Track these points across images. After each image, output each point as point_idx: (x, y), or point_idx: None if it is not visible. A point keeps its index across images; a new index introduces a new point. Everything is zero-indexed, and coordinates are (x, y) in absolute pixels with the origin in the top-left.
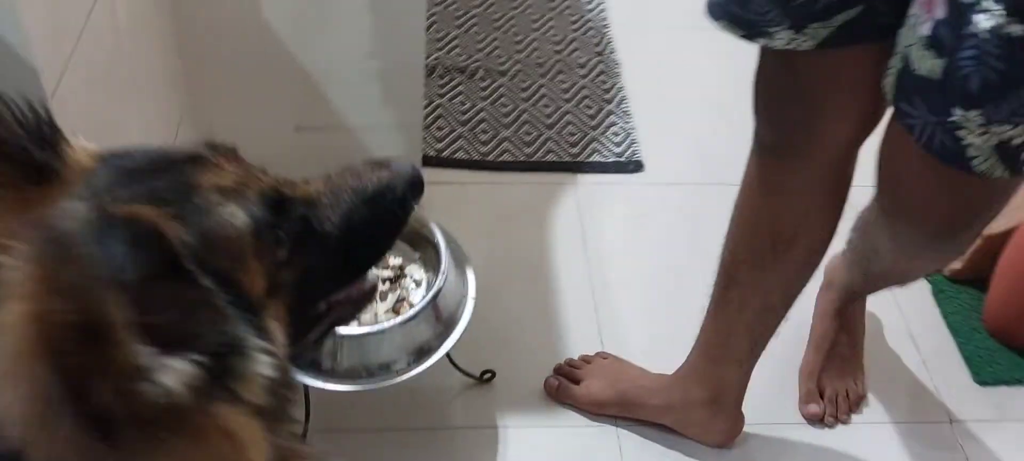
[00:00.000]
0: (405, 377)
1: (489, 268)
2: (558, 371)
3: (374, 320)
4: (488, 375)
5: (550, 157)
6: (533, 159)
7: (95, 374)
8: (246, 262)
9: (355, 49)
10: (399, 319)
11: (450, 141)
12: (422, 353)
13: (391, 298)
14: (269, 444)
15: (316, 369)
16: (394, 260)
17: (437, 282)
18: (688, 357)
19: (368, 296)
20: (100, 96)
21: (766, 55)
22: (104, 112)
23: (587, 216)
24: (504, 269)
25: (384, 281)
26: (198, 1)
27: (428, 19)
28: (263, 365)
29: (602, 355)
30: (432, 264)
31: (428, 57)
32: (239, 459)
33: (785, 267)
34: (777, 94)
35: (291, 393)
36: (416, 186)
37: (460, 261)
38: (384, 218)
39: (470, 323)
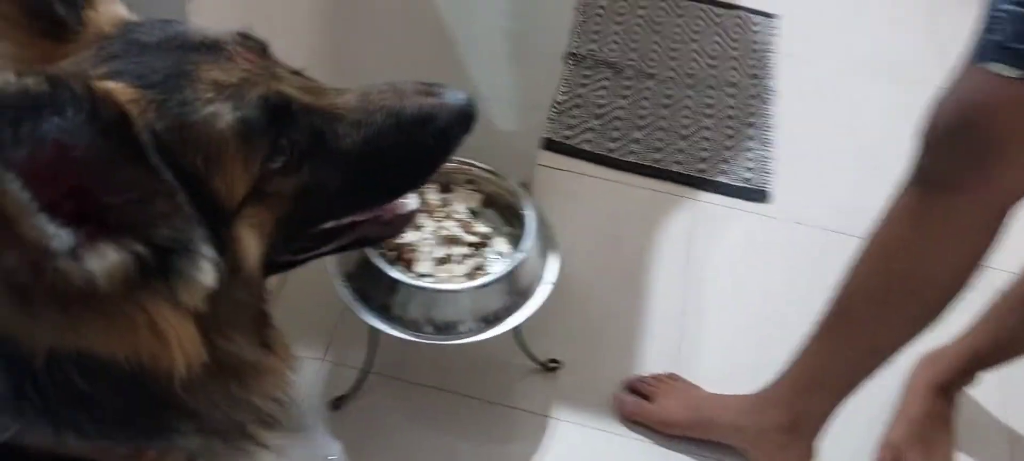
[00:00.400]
0: (467, 340)
1: (585, 262)
2: (632, 388)
3: (448, 279)
4: (554, 365)
5: (675, 168)
6: (656, 166)
7: (4, 246)
8: (224, 165)
9: (496, 19)
10: (472, 283)
11: (580, 130)
12: (489, 322)
13: (469, 263)
14: (206, 348)
15: (385, 313)
16: (482, 227)
17: (515, 257)
18: (771, 383)
19: (404, 220)
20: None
21: (982, 83)
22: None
23: (697, 234)
24: (599, 267)
25: (467, 245)
26: None
27: (591, 10)
28: (205, 274)
29: (672, 377)
30: (518, 241)
31: (580, 46)
32: (162, 354)
33: (911, 309)
34: (965, 125)
35: (251, 302)
36: (464, 120)
37: (548, 245)
38: (419, 147)
39: (548, 311)
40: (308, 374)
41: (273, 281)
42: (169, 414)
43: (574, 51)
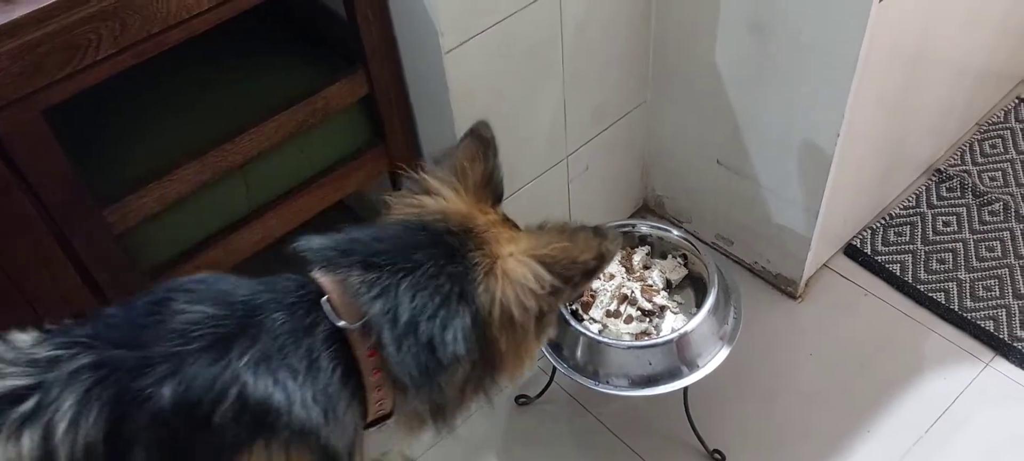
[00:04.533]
0: (619, 393)
1: (816, 374)
2: None
3: (615, 333)
4: (718, 456)
5: (985, 323)
6: (963, 314)
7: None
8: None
9: (779, 113)
10: (624, 342)
11: (896, 250)
12: (648, 382)
13: (636, 326)
14: None
15: (556, 348)
16: (661, 300)
17: (685, 326)
18: None
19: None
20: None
21: None
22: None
23: (967, 403)
24: (831, 384)
25: (638, 309)
26: (668, 37)
27: (991, 132)
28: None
29: None
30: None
31: (953, 164)
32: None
33: None
34: None
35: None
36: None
37: (729, 333)
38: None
39: (737, 403)
40: None
41: None
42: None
43: (941, 168)
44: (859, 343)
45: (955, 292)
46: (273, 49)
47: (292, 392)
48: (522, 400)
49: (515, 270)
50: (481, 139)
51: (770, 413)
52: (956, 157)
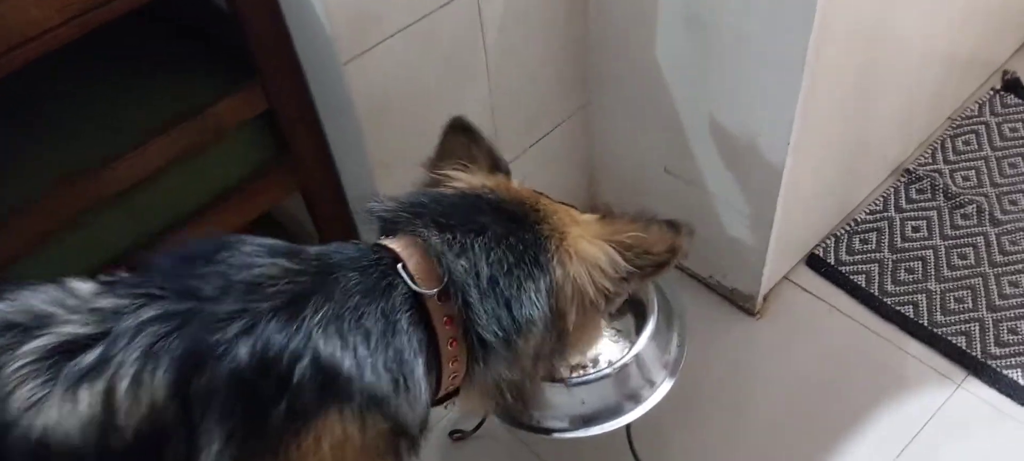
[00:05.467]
0: (557, 435)
1: (773, 398)
2: None
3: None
4: None
5: (956, 340)
6: (933, 329)
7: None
8: None
9: (725, 115)
10: (560, 382)
11: (862, 259)
12: (586, 421)
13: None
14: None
15: None
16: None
17: (623, 357)
18: None
19: None
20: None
21: None
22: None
23: (937, 428)
24: (784, 411)
25: None
26: (604, 35)
27: (963, 128)
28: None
29: None
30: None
31: (923, 164)
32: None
33: None
34: None
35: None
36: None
37: (672, 363)
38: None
39: (685, 427)
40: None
41: None
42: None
43: (911, 168)
44: (822, 364)
45: (925, 305)
46: (163, 60)
47: (363, 357)
48: (457, 435)
49: (588, 251)
50: (464, 129)
51: (726, 443)
52: (926, 155)
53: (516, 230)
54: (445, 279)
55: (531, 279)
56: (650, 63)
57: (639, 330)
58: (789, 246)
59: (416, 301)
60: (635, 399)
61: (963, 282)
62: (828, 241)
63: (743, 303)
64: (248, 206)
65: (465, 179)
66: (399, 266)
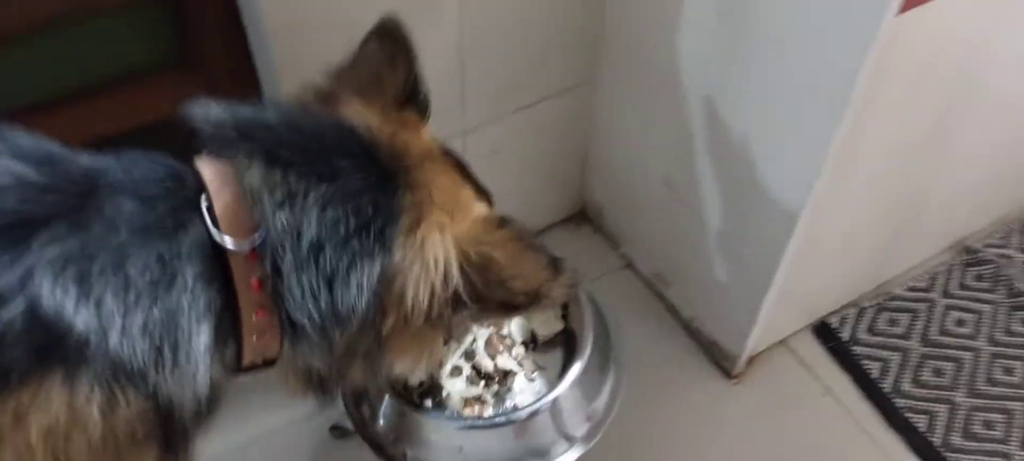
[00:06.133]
0: None
1: None
2: None
3: (446, 402)
4: None
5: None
6: (944, 455)
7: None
8: None
9: (741, 136)
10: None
11: (883, 344)
12: None
13: (468, 390)
14: None
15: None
16: (510, 362)
17: (535, 403)
18: None
19: None
20: None
21: None
22: None
23: None
24: None
25: (477, 372)
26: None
27: None
28: None
29: None
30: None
31: (979, 238)
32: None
33: None
34: None
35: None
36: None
37: (598, 415)
38: None
39: None
40: None
41: None
42: None
43: (975, 246)
44: (796, 456)
45: (944, 420)
46: None
47: (108, 313)
48: (337, 432)
49: (435, 245)
50: (393, 38)
51: None
52: (998, 236)
53: (377, 188)
54: (261, 232)
55: (368, 257)
56: (669, 50)
57: (565, 370)
58: (794, 307)
59: (215, 251)
60: (542, 456)
61: (999, 403)
62: (848, 311)
63: (721, 360)
64: (133, 108)
65: (357, 109)
66: (202, 202)
